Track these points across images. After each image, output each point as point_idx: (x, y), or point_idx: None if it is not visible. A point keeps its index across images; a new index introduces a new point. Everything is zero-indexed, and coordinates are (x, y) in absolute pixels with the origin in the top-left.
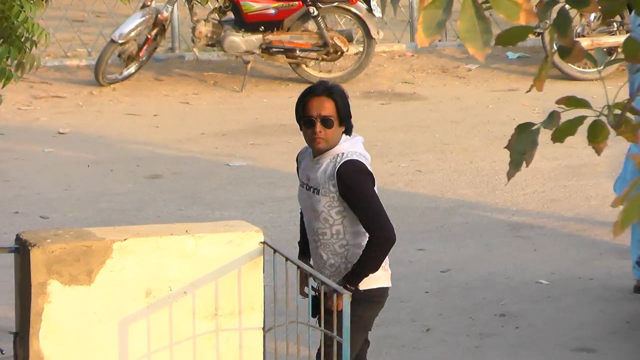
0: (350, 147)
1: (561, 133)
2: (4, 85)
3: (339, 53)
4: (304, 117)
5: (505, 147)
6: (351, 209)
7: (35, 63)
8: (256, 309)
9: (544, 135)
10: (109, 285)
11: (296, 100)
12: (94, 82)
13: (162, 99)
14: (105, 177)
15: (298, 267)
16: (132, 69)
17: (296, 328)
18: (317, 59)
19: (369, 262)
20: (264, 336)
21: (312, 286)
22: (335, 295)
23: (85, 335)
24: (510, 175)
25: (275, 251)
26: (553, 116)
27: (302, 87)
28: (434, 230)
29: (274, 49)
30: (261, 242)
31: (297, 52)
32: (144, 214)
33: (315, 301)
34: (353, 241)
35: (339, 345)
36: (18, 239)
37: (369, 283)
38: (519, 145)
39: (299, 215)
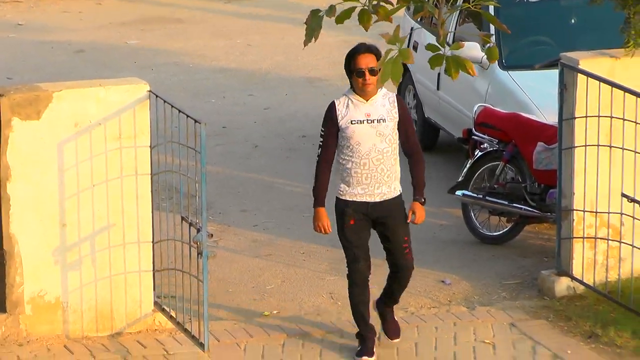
0: (384, 89)
1: (341, 18)
2: None
3: None
4: (356, 70)
5: (305, 22)
6: (402, 128)
7: None
8: (145, 134)
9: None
10: (50, 120)
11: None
12: None
13: (83, 2)
14: (48, 52)
15: (172, 106)
16: None
17: (172, 146)
18: None
19: (423, 173)
20: (151, 150)
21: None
22: (415, 212)
23: (36, 152)
24: (305, 43)
25: (157, 97)
26: (332, 8)
27: None
28: (259, 83)
29: None
30: (148, 91)
31: None
32: (73, 75)
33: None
34: (397, 156)
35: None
36: None
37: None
38: (312, 24)
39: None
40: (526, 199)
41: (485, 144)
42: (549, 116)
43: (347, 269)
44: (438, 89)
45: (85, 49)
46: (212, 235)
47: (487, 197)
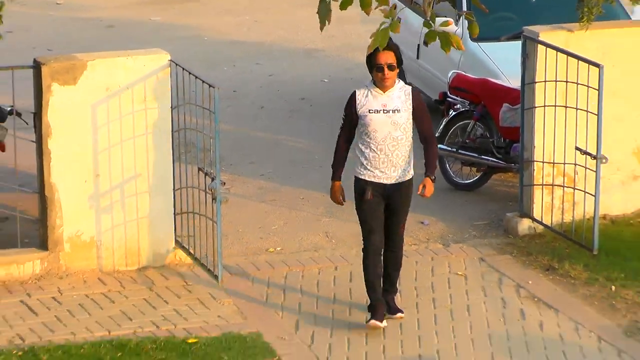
0: (402, 82)
1: (344, 4)
2: None
3: None
4: (376, 65)
5: (317, 12)
6: (417, 118)
7: None
8: (166, 97)
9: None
10: (85, 85)
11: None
12: None
13: None
14: (82, 28)
15: (190, 73)
16: None
17: (190, 107)
18: None
19: (436, 156)
20: (172, 111)
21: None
22: (425, 185)
23: (72, 113)
24: (321, 28)
25: (177, 65)
26: None
27: None
28: (264, 54)
29: None
30: (169, 60)
31: None
32: (104, 47)
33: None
34: (410, 143)
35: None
36: (35, 61)
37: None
38: (322, 12)
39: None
40: (493, 152)
41: (458, 105)
42: (513, 81)
43: (362, 241)
44: (418, 58)
45: (115, 24)
46: (224, 183)
47: (459, 151)
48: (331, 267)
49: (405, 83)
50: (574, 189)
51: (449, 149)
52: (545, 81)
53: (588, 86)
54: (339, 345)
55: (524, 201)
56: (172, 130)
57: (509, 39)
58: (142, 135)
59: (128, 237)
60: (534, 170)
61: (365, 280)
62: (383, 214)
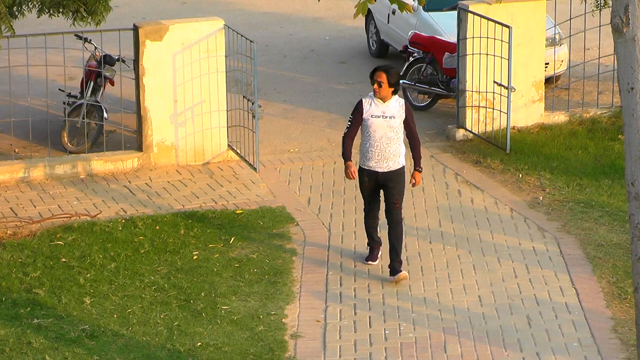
0: (397, 97)
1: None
2: None
3: None
4: (373, 80)
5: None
6: (406, 124)
7: None
8: (222, 49)
9: None
10: (168, 41)
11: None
12: None
13: None
14: (165, 3)
15: (237, 32)
16: None
17: (237, 56)
18: None
19: (420, 151)
20: (225, 58)
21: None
22: (415, 178)
23: (159, 59)
24: (318, 0)
25: (228, 27)
26: None
27: None
28: (286, 20)
29: None
30: (224, 24)
31: None
32: (180, 15)
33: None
34: (401, 141)
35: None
36: (134, 25)
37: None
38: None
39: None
40: (438, 84)
41: (415, 54)
42: (451, 37)
43: (363, 208)
44: (388, 22)
45: (187, 1)
46: (260, 105)
47: (416, 84)
48: (331, 162)
49: (381, 39)
50: (493, 109)
51: (410, 83)
52: (473, 37)
53: (502, 40)
54: (337, 213)
55: (460, 117)
56: (226, 71)
57: (449, 9)
58: (205, 74)
59: (196, 142)
60: (466, 96)
61: (365, 231)
62: (377, 192)
